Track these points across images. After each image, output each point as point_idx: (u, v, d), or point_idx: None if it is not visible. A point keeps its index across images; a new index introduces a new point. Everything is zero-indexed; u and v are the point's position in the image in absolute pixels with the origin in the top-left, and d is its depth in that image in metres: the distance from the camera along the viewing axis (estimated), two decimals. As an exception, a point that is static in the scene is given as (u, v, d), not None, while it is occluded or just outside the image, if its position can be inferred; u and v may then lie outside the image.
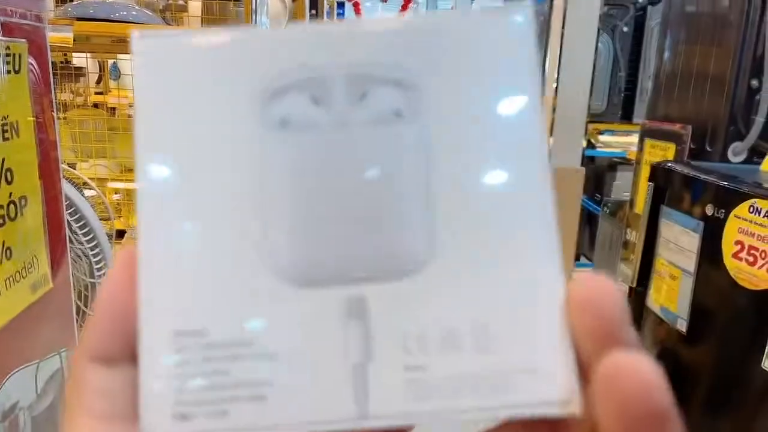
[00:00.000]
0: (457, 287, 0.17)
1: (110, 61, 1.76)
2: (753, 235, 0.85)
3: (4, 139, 0.48)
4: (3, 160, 0.47)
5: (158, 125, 0.18)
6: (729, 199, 0.91)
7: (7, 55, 0.49)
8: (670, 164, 1.15)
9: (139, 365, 0.17)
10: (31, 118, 0.50)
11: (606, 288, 0.16)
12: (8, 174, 0.48)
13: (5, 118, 0.48)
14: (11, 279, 0.49)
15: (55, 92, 0.55)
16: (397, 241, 0.17)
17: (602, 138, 2.92)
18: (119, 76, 1.81)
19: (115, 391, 0.17)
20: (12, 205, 0.49)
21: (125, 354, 0.17)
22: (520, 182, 0.18)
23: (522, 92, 0.18)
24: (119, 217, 1.33)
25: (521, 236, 0.18)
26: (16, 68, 0.50)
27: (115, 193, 1.48)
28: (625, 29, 2.87)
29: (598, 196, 2.78)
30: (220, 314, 0.17)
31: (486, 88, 0.18)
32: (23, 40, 0.51)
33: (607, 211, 1.92)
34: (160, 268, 0.17)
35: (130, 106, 1.63)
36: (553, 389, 0.16)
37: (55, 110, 0.54)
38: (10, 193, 0.49)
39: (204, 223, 0.18)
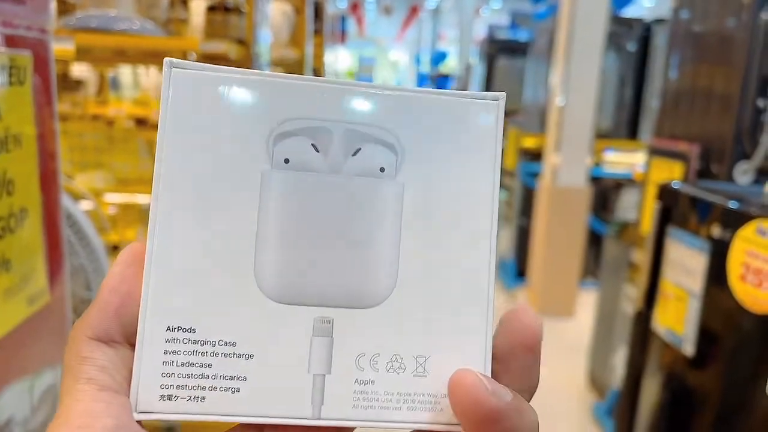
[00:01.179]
0: (406, 324, 0.21)
1: (110, 73, 1.77)
2: (759, 257, 0.84)
3: (7, 150, 0.47)
4: (4, 172, 0.47)
5: (181, 145, 0.21)
6: (736, 220, 0.90)
7: (12, 67, 0.49)
8: (676, 185, 1.14)
9: (136, 351, 0.20)
10: (33, 130, 0.50)
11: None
12: (9, 186, 0.48)
13: (7, 130, 0.47)
14: (9, 292, 0.49)
15: (56, 104, 0.55)
16: (365, 279, 0.21)
17: (607, 156, 2.91)
18: (119, 88, 1.82)
19: (115, 367, 0.20)
20: (12, 218, 0.49)
21: (124, 338, 0.20)
22: (469, 255, 0.22)
23: (482, 174, 0.22)
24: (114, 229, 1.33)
25: (463, 297, 0.21)
26: (20, 80, 0.50)
27: (111, 206, 1.47)
28: (631, 48, 2.87)
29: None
30: (211, 317, 0.20)
31: (455, 168, 0.22)
32: (28, 52, 0.51)
33: (614, 231, 1.91)
34: (165, 270, 0.21)
35: (131, 119, 1.64)
36: None
37: (56, 122, 0.54)
38: (11, 205, 0.49)
39: (208, 236, 0.21)
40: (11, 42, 0.49)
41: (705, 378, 0.98)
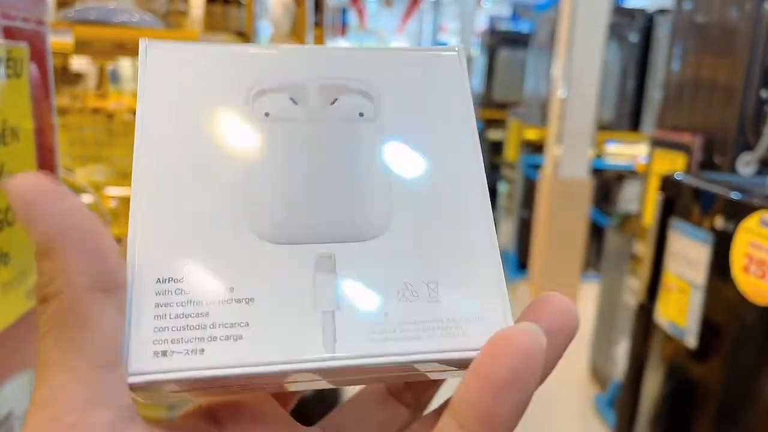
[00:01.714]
0: (411, 252, 0.21)
1: (110, 66, 1.76)
2: (762, 248, 0.83)
3: (4, 144, 0.47)
4: (2, 165, 0.47)
5: (162, 106, 0.21)
6: (739, 211, 0.89)
7: (8, 59, 0.48)
8: (679, 176, 1.14)
9: (126, 309, 0.18)
10: (31, 123, 0.50)
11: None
12: (7, 179, 0.47)
13: (4, 123, 0.47)
14: (7, 286, 0.49)
15: (54, 98, 0.54)
16: (360, 210, 0.21)
17: (609, 148, 2.90)
18: (119, 81, 1.81)
19: (116, 326, 0.18)
20: (10, 211, 0.48)
21: (118, 283, 0.18)
22: (459, 176, 0.22)
23: (459, 106, 0.23)
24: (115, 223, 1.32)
25: (462, 219, 0.21)
26: (17, 72, 0.50)
27: (112, 199, 1.47)
28: (633, 39, 2.86)
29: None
30: (204, 264, 0.19)
31: (430, 107, 0.23)
32: (25, 44, 0.50)
33: (615, 222, 1.90)
34: (152, 222, 0.20)
35: (131, 112, 1.63)
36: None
37: (54, 116, 0.53)
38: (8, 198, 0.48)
39: (198, 188, 0.20)
40: (8, 33, 0.49)
41: (707, 370, 0.97)
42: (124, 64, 1.80)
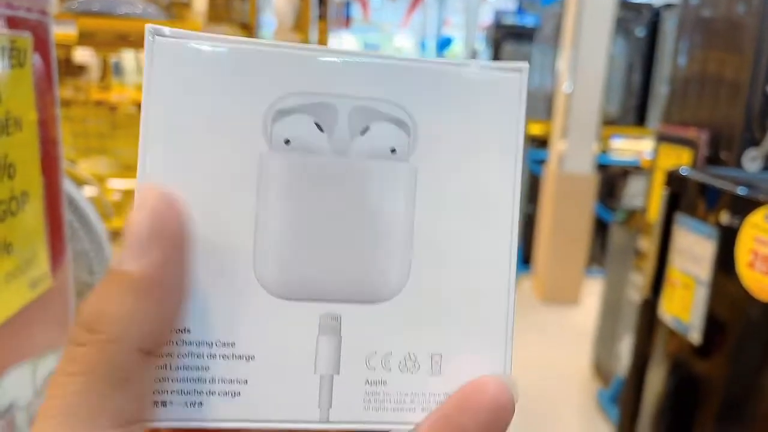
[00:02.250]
0: (420, 319, 0.19)
1: (113, 58, 1.76)
2: (767, 244, 0.83)
3: (7, 134, 0.47)
4: (5, 155, 0.47)
5: (167, 127, 0.19)
6: (744, 206, 0.89)
7: (12, 49, 0.48)
8: (685, 171, 1.13)
9: None
10: (34, 114, 0.50)
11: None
12: (11, 169, 0.48)
13: (8, 113, 0.47)
14: (10, 276, 0.49)
15: (57, 89, 0.54)
16: (375, 271, 0.19)
17: (614, 143, 2.89)
18: (122, 73, 1.80)
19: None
20: (14, 201, 0.48)
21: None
22: (488, 243, 0.20)
23: (503, 157, 0.20)
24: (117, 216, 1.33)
25: (481, 291, 0.20)
26: (21, 62, 0.49)
27: (115, 192, 1.47)
28: (640, 33, 2.84)
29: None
30: (207, 316, 0.19)
31: (473, 146, 0.20)
32: (28, 33, 0.50)
33: (620, 218, 1.90)
34: None
35: (134, 104, 1.63)
36: None
37: (57, 107, 0.53)
38: (12, 189, 0.48)
39: (201, 230, 0.19)
40: (11, 23, 0.48)
41: (711, 366, 0.97)
42: (128, 56, 1.80)
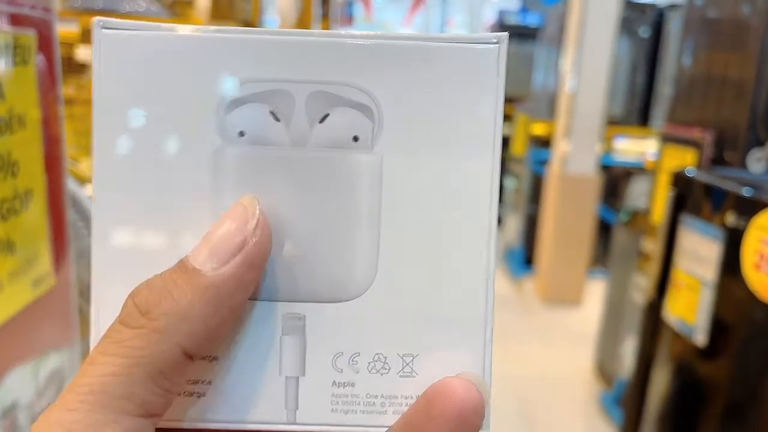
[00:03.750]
0: (390, 318, 0.18)
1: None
2: (775, 246, 0.82)
3: (11, 131, 0.47)
4: (9, 153, 0.46)
5: (117, 123, 0.18)
6: (751, 208, 0.88)
7: (16, 46, 0.48)
8: (691, 172, 1.13)
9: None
10: (38, 112, 0.49)
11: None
12: (14, 167, 0.47)
13: (11, 111, 0.47)
14: (13, 274, 0.48)
15: (61, 87, 0.54)
16: (339, 269, 0.18)
17: (618, 144, 2.89)
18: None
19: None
20: (17, 199, 0.48)
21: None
22: (463, 235, 0.18)
23: (480, 143, 0.18)
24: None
25: (456, 286, 0.18)
26: (24, 60, 0.49)
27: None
28: (644, 33, 2.84)
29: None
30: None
31: (446, 132, 0.18)
32: (32, 31, 0.50)
33: (624, 218, 1.89)
34: (111, 267, 0.18)
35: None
36: None
37: (61, 106, 0.53)
38: (15, 187, 0.48)
39: (156, 227, 0.18)
40: (15, 20, 0.48)
41: (716, 368, 0.97)
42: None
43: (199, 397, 0.18)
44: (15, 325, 0.49)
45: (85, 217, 0.72)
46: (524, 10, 4.30)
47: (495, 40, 0.18)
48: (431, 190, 0.18)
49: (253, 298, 0.18)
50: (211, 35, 0.18)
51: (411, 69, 0.18)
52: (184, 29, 0.18)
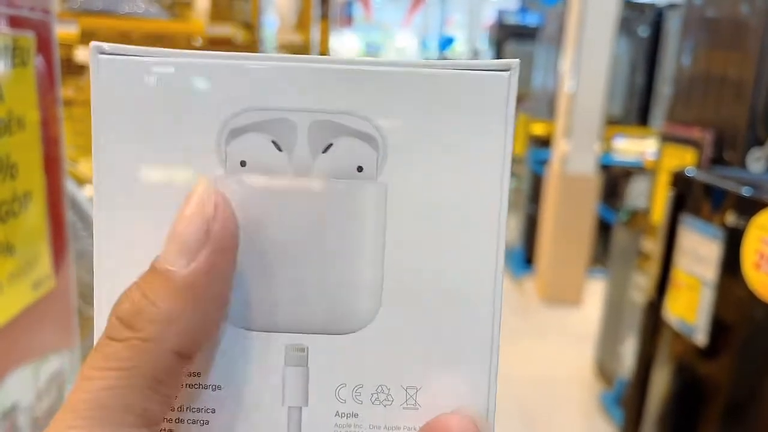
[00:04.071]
0: (394, 350, 0.18)
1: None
2: (775, 245, 0.82)
3: (10, 133, 0.47)
4: (8, 155, 0.46)
5: (115, 151, 0.18)
6: (751, 207, 0.88)
7: (15, 48, 0.47)
8: (691, 171, 1.13)
9: None
10: (37, 113, 0.49)
11: None
12: (13, 169, 0.47)
13: (10, 113, 0.46)
14: (13, 277, 0.48)
15: (60, 88, 0.54)
16: (343, 302, 0.18)
17: (617, 144, 2.89)
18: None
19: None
20: (16, 201, 0.48)
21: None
22: (469, 269, 0.18)
23: (489, 175, 0.18)
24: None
25: (461, 319, 0.18)
26: (24, 62, 0.49)
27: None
28: (643, 33, 2.84)
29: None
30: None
31: (453, 166, 0.18)
32: (31, 33, 0.50)
33: (623, 218, 1.89)
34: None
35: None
36: None
37: (60, 107, 0.53)
38: (14, 189, 0.48)
39: (157, 243, 0.18)
40: (14, 22, 0.48)
41: (716, 368, 0.97)
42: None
43: (202, 425, 0.18)
44: (15, 327, 0.49)
45: (84, 219, 0.72)
46: (523, 9, 4.30)
47: (506, 68, 0.17)
48: (437, 221, 0.18)
49: (256, 329, 0.18)
50: (209, 61, 0.17)
51: (417, 97, 0.17)
52: (181, 55, 0.18)
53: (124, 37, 1.25)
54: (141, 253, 0.17)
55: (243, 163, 0.18)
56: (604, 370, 1.96)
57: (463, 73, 0.17)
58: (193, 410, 0.18)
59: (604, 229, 2.68)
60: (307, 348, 0.18)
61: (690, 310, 0.99)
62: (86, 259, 0.72)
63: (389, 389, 0.18)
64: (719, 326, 0.94)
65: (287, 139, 0.18)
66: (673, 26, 2.69)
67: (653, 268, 1.18)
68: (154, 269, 0.16)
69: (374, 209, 0.18)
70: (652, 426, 1.16)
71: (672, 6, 2.76)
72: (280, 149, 0.18)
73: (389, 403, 0.18)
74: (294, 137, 0.18)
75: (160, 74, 0.17)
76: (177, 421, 0.18)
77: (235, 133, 0.18)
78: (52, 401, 0.56)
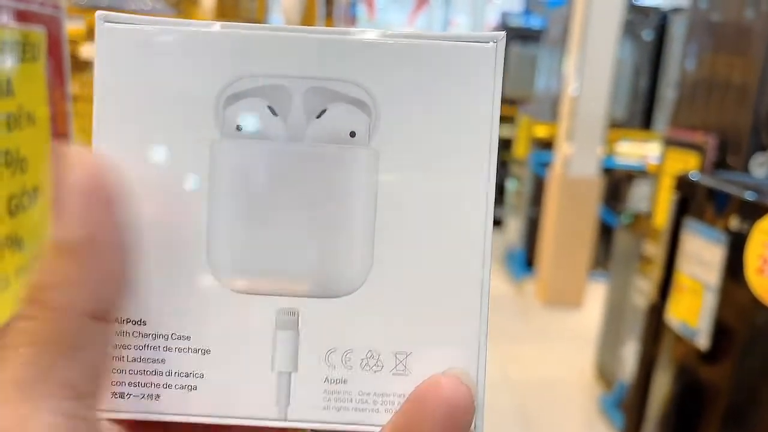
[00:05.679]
0: (384, 314, 0.18)
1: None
2: (779, 250, 0.82)
3: (20, 128, 0.47)
4: (18, 149, 0.47)
5: (115, 116, 0.18)
6: (754, 212, 0.88)
7: (25, 43, 0.48)
8: (694, 176, 1.13)
9: None
10: (46, 108, 0.49)
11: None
12: (23, 164, 0.47)
13: (21, 107, 0.47)
14: (21, 271, 0.48)
15: (69, 84, 0.54)
16: (335, 265, 0.18)
17: (620, 147, 2.89)
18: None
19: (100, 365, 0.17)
20: (25, 196, 0.48)
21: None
22: (459, 231, 0.18)
23: (476, 141, 0.18)
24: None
25: (451, 283, 0.18)
26: (34, 57, 0.49)
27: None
28: (647, 37, 2.84)
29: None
30: (162, 308, 0.18)
31: (442, 129, 0.18)
32: (42, 28, 0.50)
33: (625, 221, 1.89)
34: None
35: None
36: None
37: (69, 103, 0.53)
38: (24, 184, 0.48)
39: (154, 220, 0.18)
40: (25, 17, 0.48)
41: (718, 372, 0.97)
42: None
43: (190, 390, 0.18)
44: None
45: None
46: (527, 12, 4.30)
47: (492, 40, 0.18)
48: (427, 186, 0.18)
49: (247, 292, 0.18)
50: (210, 30, 0.18)
51: (408, 67, 0.18)
52: (183, 24, 0.18)
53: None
54: (144, 235, 0.18)
55: (239, 128, 0.18)
56: (604, 373, 1.96)
57: (452, 44, 0.18)
58: (182, 375, 0.18)
59: (605, 232, 2.68)
60: (298, 312, 0.18)
61: (692, 313, 1.00)
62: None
63: (379, 355, 0.18)
64: (721, 330, 0.94)
65: (283, 105, 0.18)
66: (677, 30, 2.69)
67: (656, 271, 1.18)
68: (49, 244, 0.16)
69: (366, 174, 0.18)
70: (653, 428, 1.16)
71: (676, 10, 2.76)
72: (275, 114, 0.18)
73: (379, 369, 0.18)
74: (289, 103, 0.18)
75: (161, 42, 0.18)
76: (165, 386, 0.18)
77: (232, 99, 0.18)
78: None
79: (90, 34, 1.11)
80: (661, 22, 2.81)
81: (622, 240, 1.89)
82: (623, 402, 1.66)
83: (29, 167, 0.49)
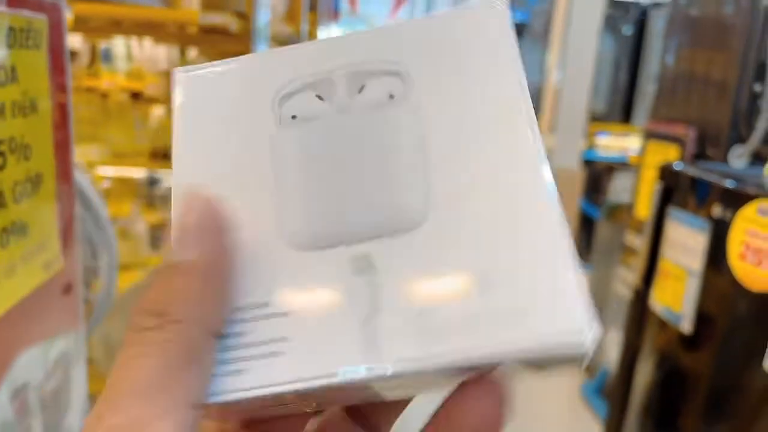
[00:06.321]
0: (455, 241, 0.18)
1: (102, 45, 1.73)
2: (759, 236, 0.85)
3: (24, 115, 0.47)
4: (22, 136, 0.47)
5: (195, 130, 0.22)
6: (737, 200, 0.91)
7: (29, 30, 0.48)
8: (678, 165, 1.15)
9: None
10: (48, 96, 0.50)
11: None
12: (27, 150, 0.48)
13: (24, 94, 0.47)
14: (27, 256, 0.49)
15: (69, 72, 0.54)
16: (394, 201, 0.19)
17: (600, 140, 2.93)
18: (111, 60, 1.77)
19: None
20: (29, 182, 0.49)
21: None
22: (507, 156, 0.19)
23: (505, 73, 0.20)
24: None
25: (514, 194, 0.19)
26: (37, 44, 0.50)
27: (105, 180, 1.46)
28: (627, 32, 2.87)
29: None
30: (236, 281, 0.19)
31: (468, 75, 0.20)
32: (44, 15, 0.50)
33: (606, 211, 1.92)
34: None
35: (125, 92, 1.61)
36: (567, 326, 0.17)
37: (69, 92, 0.53)
38: (28, 170, 0.49)
39: (226, 202, 0.20)
40: (28, 5, 0.48)
41: (700, 357, 1.00)
42: (117, 43, 1.78)
43: (273, 357, 0.18)
44: (27, 306, 0.49)
45: (86, 203, 0.72)
46: (510, 6, 4.32)
47: (498, 6, 0.21)
48: (468, 119, 0.20)
49: (316, 248, 0.19)
50: (261, 55, 0.23)
51: (429, 37, 0.21)
52: (240, 58, 0.22)
53: (116, 25, 1.24)
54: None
55: (294, 117, 0.21)
56: (586, 362, 1.99)
57: (463, 8, 0.21)
58: (264, 343, 0.18)
59: (586, 223, 2.71)
60: (370, 254, 0.19)
61: (676, 299, 1.02)
62: (88, 242, 0.73)
63: (461, 277, 0.18)
64: (704, 315, 0.97)
65: (328, 91, 0.21)
66: (657, 25, 2.73)
67: (640, 258, 1.21)
68: (162, 266, 0.17)
69: (408, 123, 0.20)
70: (636, 415, 1.19)
71: (656, 5, 2.80)
72: (322, 99, 0.21)
73: (465, 290, 0.18)
74: (333, 88, 0.21)
75: (226, 75, 0.22)
76: (249, 359, 0.18)
77: (286, 97, 0.21)
78: (59, 381, 0.56)
79: (77, 25, 1.10)
80: (641, 17, 2.85)
81: (603, 231, 1.92)
82: (605, 389, 1.69)
83: (32, 154, 0.49)
